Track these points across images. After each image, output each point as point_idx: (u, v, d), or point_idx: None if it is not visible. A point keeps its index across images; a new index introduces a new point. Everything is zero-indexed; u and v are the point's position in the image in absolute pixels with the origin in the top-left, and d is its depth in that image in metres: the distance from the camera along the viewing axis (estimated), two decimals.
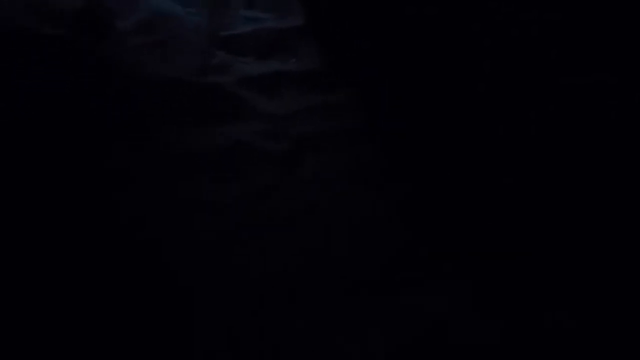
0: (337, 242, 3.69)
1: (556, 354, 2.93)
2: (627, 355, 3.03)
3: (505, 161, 3.93)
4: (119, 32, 4.97)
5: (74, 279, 3.28)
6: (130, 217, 3.82)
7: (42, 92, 4.60)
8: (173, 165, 4.22)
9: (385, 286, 3.32)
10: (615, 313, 3.19)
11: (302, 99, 4.62)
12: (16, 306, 3.09)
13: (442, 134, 4.26)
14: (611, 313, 3.19)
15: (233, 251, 3.58)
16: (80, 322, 3.02)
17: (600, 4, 3.67)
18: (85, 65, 4.83)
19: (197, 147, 4.35)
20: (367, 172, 4.20)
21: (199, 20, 4.78)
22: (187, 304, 3.21)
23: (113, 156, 4.28)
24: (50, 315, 3.05)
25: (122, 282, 3.28)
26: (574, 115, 3.77)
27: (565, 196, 3.72)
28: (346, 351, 2.91)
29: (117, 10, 5.03)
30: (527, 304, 3.18)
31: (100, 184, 4.05)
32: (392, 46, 4.41)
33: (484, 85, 4.04)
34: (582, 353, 2.96)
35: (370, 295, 3.25)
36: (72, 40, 4.89)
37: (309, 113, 4.54)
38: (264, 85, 4.71)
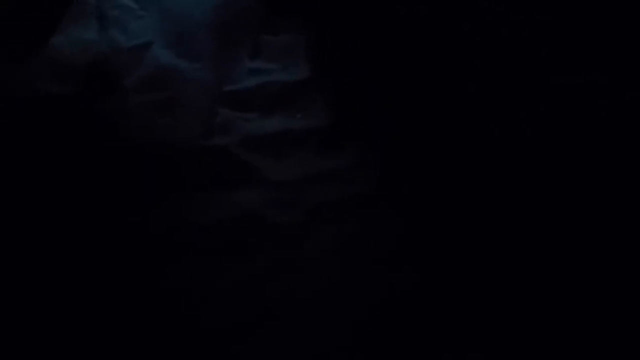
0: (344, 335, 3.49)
1: None
2: None
3: (497, 161, 4.01)
4: (124, 89, 4.84)
5: None
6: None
7: (49, 155, 4.56)
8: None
9: None
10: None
11: (309, 161, 4.45)
12: None
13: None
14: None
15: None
16: None
17: (590, 5, 3.81)
18: (92, 126, 4.75)
19: (198, 218, 4.18)
20: (381, 245, 3.91)
21: (203, 75, 4.62)
22: None
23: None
24: None
25: None
26: (564, 114, 3.90)
27: (558, 195, 3.80)
28: None
29: (121, 65, 4.89)
30: None
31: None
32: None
33: (474, 85, 4.14)
34: None
35: None
36: (78, 99, 4.81)
37: (317, 177, 4.34)
38: (269, 146, 4.58)
